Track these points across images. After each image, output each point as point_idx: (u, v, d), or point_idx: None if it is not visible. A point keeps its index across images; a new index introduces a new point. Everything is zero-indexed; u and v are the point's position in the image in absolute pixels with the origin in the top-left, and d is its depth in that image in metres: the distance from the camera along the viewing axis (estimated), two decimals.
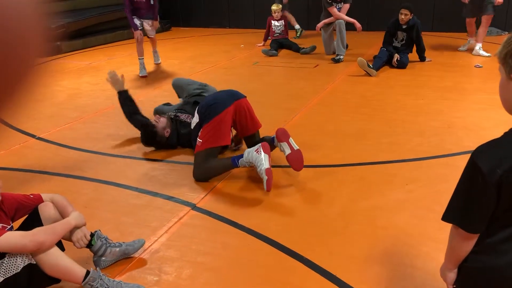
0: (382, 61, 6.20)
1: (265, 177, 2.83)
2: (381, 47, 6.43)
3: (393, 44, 6.44)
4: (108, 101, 5.13)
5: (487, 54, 6.53)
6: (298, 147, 3.06)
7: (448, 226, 2.34)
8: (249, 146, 3.39)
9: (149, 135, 3.62)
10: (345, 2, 7.02)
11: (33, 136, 4.13)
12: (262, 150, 2.88)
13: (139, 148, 3.78)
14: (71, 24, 8.35)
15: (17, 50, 0.50)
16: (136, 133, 4.11)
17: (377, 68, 5.99)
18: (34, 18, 0.52)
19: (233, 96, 3.20)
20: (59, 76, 6.50)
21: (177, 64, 7.06)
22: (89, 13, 9.03)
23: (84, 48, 8.59)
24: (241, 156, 2.98)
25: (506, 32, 8.32)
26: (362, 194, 2.91)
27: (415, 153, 3.45)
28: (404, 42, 6.40)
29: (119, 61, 7.50)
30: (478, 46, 6.66)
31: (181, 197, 2.96)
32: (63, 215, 2.14)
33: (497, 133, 4.27)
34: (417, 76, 5.82)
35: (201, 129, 3.15)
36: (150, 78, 6.33)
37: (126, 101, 3.92)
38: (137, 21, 6.48)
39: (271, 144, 3.10)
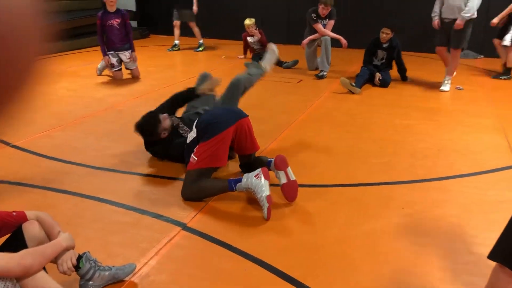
0: (364, 79, 6.21)
1: (266, 204, 2.72)
2: (362, 66, 6.45)
3: (374, 63, 6.48)
4: (87, 109, 4.93)
5: (446, 90, 5.98)
6: (294, 178, 2.96)
7: (453, 257, 2.27)
8: (242, 163, 3.27)
9: (149, 124, 3.44)
10: (329, 19, 7.03)
11: (7, 143, 3.90)
12: (262, 176, 2.76)
13: (123, 161, 3.60)
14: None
15: (13, 50, 0.47)
16: (119, 145, 3.95)
17: (359, 86, 6.00)
18: (30, 18, 0.49)
19: (235, 115, 3.07)
20: None
21: (157, 73, 6.88)
22: (66, 17, 8.76)
23: (59, 52, 8.30)
24: (239, 180, 2.84)
25: (482, 56, 8.51)
26: (359, 216, 2.83)
27: (408, 175, 3.41)
28: (384, 60, 6.45)
29: (96, 67, 7.25)
30: (447, 78, 6.09)
31: (171, 215, 2.81)
32: (49, 235, 1.97)
33: (488, 157, 4.26)
34: (400, 95, 5.85)
35: (198, 146, 3.00)
36: (129, 86, 6.12)
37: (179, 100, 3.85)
38: (113, 59, 6.28)
39: (268, 167, 3.00)
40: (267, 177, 2.79)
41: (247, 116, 3.17)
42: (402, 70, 6.56)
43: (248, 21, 7.59)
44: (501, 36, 6.71)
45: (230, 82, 3.82)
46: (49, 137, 4.11)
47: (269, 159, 3.11)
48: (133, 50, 6.41)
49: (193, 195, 2.96)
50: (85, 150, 3.82)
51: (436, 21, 6.00)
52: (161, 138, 3.47)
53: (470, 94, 5.89)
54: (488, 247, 2.46)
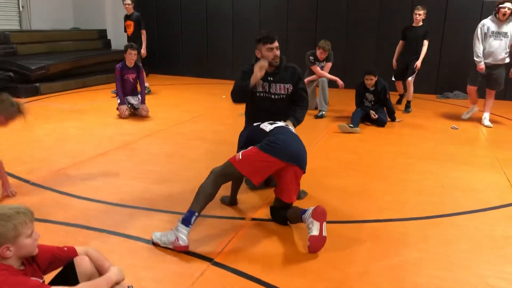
0: (359, 117, 6.42)
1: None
2: (355, 108, 6.67)
3: (365, 104, 6.73)
4: (99, 148, 5.04)
5: (489, 125, 6.58)
6: (325, 234, 2.95)
7: None
8: (273, 204, 3.37)
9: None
10: (327, 61, 7.35)
11: (26, 181, 3.98)
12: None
13: (143, 198, 3.70)
14: (51, 66, 8.26)
15: None
16: (136, 183, 4.05)
17: (357, 125, 6.21)
18: None
19: (292, 158, 3.10)
20: (42, 119, 6.33)
21: (163, 111, 7.06)
22: (69, 56, 8.97)
23: (63, 91, 8.46)
24: (190, 216, 2.95)
25: None
26: (379, 252, 2.95)
27: (419, 212, 3.57)
28: (373, 102, 6.71)
29: (102, 105, 7.42)
30: (485, 115, 6.72)
31: (197, 251, 2.90)
32: (99, 269, 2.07)
33: (491, 195, 4.45)
34: (399, 135, 6.10)
35: (252, 148, 3.09)
36: (138, 124, 6.28)
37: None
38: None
39: (300, 216, 3.07)
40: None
41: (302, 170, 3.19)
42: (390, 111, 6.79)
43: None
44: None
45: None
46: (65, 175, 4.20)
47: (304, 209, 3.08)
48: (143, 102, 6.73)
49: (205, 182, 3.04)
50: (103, 188, 3.91)
51: (482, 66, 6.42)
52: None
53: (465, 134, 6.17)
54: (503, 280, 2.62)
